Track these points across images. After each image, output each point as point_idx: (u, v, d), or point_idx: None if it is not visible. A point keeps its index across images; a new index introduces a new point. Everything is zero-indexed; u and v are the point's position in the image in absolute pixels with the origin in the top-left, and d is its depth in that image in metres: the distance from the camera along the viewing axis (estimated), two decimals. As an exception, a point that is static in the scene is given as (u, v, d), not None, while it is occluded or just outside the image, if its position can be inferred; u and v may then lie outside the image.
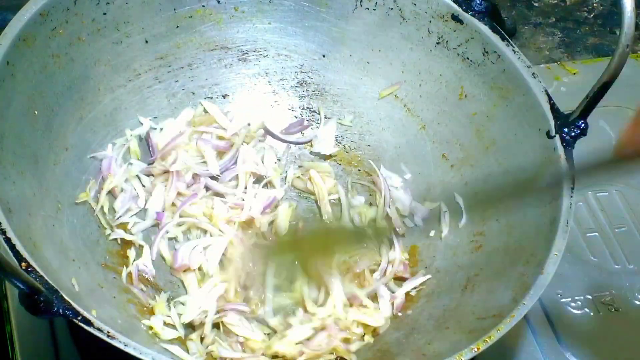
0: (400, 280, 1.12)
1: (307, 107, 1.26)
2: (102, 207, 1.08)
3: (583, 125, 1.04)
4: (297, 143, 1.24)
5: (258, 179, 1.19)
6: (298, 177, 1.21)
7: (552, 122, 1.04)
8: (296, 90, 1.25)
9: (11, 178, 0.92)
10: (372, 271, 1.11)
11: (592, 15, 1.63)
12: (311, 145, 1.25)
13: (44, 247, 0.91)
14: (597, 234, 1.25)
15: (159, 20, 1.14)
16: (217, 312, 1.02)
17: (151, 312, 1.02)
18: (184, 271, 1.07)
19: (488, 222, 1.10)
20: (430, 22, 1.16)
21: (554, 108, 1.05)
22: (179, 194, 1.13)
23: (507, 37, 1.11)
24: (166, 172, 1.14)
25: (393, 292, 1.09)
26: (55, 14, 1.01)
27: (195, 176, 1.15)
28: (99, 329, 0.80)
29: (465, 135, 1.16)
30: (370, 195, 1.21)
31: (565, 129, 1.03)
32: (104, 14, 1.08)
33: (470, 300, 1.03)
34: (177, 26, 1.17)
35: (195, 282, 1.07)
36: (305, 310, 1.06)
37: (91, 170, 1.09)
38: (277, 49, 1.24)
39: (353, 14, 1.19)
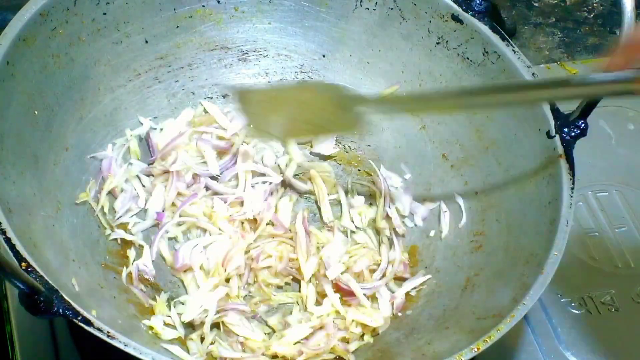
0: (400, 280, 1.12)
1: (307, 107, 1.26)
2: (102, 207, 1.08)
3: (583, 125, 1.04)
4: (297, 143, 1.24)
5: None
6: (298, 177, 1.21)
7: (552, 122, 1.04)
8: (296, 90, 1.25)
9: (11, 178, 0.92)
10: (372, 271, 1.11)
11: (592, 15, 1.63)
12: (311, 146, 1.25)
13: (44, 247, 0.91)
14: (597, 234, 1.25)
15: (159, 20, 1.14)
16: (218, 311, 1.02)
17: (151, 312, 1.02)
18: (184, 271, 1.08)
19: (488, 222, 1.10)
20: (430, 22, 1.16)
21: (554, 108, 1.05)
22: (179, 194, 1.13)
23: (507, 37, 1.11)
24: (166, 172, 1.14)
25: (393, 292, 1.09)
26: (55, 14, 1.01)
27: (195, 176, 1.15)
28: (99, 329, 0.80)
29: (465, 135, 1.16)
30: (370, 195, 1.21)
31: (565, 129, 1.04)
32: (104, 14, 1.08)
33: (470, 300, 1.03)
34: (177, 26, 1.17)
35: (195, 282, 1.07)
36: (305, 309, 1.06)
37: (91, 170, 1.09)
38: (277, 49, 1.24)
39: (353, 14, 1.20)
